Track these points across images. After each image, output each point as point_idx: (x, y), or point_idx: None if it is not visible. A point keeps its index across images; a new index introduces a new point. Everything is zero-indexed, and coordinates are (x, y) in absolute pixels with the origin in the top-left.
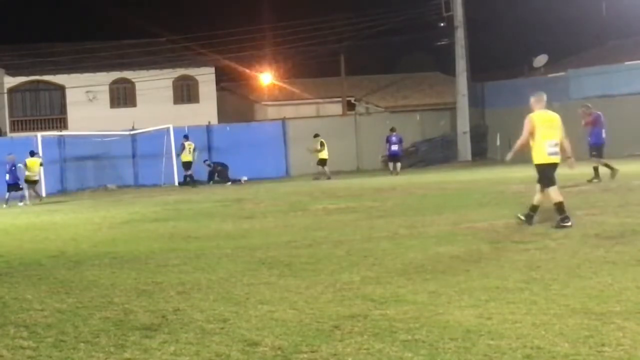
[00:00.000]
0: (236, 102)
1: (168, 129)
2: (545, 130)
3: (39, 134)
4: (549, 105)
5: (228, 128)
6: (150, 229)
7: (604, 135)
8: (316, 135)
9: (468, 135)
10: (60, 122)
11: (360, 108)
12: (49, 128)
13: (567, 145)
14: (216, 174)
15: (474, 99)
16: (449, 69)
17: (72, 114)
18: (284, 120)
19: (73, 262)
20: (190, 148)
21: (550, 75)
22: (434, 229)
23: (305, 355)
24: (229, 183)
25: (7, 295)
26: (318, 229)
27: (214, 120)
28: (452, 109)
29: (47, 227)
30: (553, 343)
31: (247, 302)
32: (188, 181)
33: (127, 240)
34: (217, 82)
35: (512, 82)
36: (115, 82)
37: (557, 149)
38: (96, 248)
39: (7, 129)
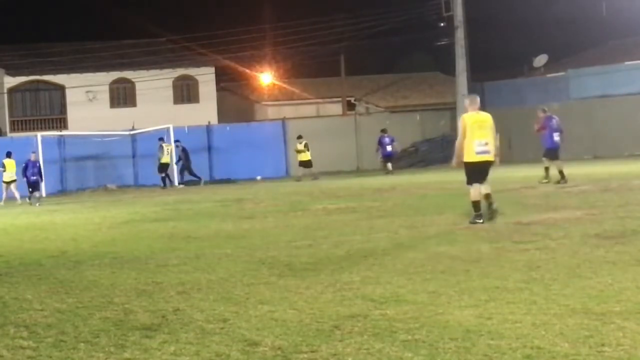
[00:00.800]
0: (236, 102)
1: (168, 129)
2: (475, 131)
3: (39, 134)
4: (549, 106)
5: (228, 128)
6: (150, 229)
7: (555, 138)
8: (299, 137)
9: None
10: (60, 122)
11: (360, 108)
12: (49, 128)
13: (496, 146)
14: (180, 167)
15: None
16: (449, 69)
17: (72, 114)
18: (284, 120)
19: (73, 262)
20: (168, 149)
21: (550, 75)
22: (434, 229)
23: (305, 355)
24: (202, 183)
25: (7, 295)
26: (318, 229)
27: (214, 120)
28: (452, 109)
29: (47, 227)
30: (553, 343)
31: (247, 302)
32: (165, 183)
33: (127, 240)
34: (217, 82)
35: (512, 82)
36: (115, 82)
37: (487, 148)
38: (96, 248)
39: (7, 129)
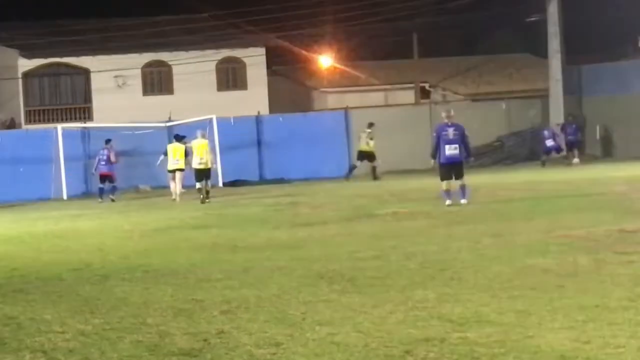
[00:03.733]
0: (290, 89)
1: (211, 119)
2: (195, 150)
3: (59, 126)
4: None
5: (281, 119)
6: (190, 238)
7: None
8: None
9: None
10: (84, 112)
11: (436, 96)
12: (70, 119)
13: (211, 159)
14: None
15: (570, 85)
16: (540, 50)
17: (97, 102)
18: (346, 109)
19: (99, 277)
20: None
21: None
22: (522, 238)
23: None
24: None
25: (22, 315)
26: (386, 238)
27: (265, 110)
28: (543, 96)
29: (68, 235)
30: None
31: (304, 323)
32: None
33: (162, 250)
34: (268, 65)
35: (614, 65)
36: (148, 65)
37: (202, 161)
38: (126, 260)
39: (22, 120)
